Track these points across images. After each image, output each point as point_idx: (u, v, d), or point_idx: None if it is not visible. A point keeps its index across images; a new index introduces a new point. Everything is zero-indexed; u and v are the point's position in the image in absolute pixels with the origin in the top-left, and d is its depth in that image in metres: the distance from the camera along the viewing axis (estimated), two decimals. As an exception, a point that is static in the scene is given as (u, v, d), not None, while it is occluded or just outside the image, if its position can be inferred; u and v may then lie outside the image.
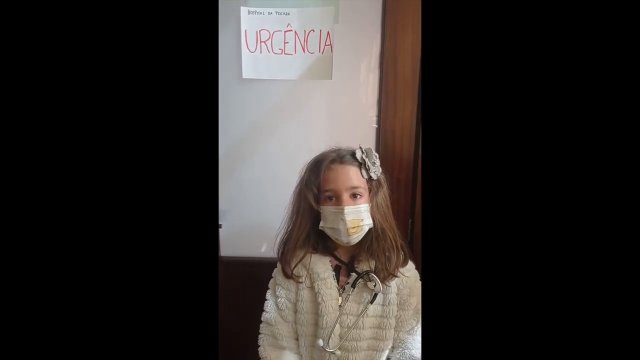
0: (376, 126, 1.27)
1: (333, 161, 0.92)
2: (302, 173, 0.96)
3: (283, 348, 0.97)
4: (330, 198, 0.90)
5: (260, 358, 0.98)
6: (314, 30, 1.19)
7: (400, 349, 0.96)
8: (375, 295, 0.92)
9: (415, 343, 0.95)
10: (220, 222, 1.31)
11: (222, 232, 1.33)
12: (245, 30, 1.19)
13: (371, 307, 0.93)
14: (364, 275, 0.93)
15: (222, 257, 1.34)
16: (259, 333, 0.99)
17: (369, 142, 1.27)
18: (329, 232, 0.92)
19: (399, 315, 0.95)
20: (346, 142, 0.97)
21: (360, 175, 0.91)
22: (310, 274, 0.94)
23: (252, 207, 1.31)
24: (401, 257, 0.95)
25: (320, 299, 0.92)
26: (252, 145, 1.29)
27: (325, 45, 1.20)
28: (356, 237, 0.90)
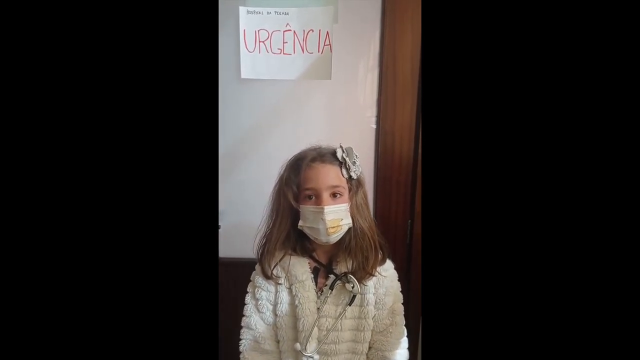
0: (375, 126, 1.25)
1: (314, 159, 0.90)
2: (282, 171, 0.94)
3: (266, 352, 0.94)
4: (309, 197, 0.88)
5: None
6: (313, 30, 1.18)
7: (372, 350, 0.94)
8: (354, 296, 0.90)
9: (387, 345, 0.93)
10: (219, 223, 1.31)
11: (221, 233, 1.32)
12: (244, 30, 1.19)
13: (349, 309, 0.90)
14: (342, 277, 0.90)
15: (221, 258, 1.34)
16: (240, 339, 0.95)
17: (368, 142, 1.26)
18: (307, 232, 0.90)
19: (375, 315, 0.93)
20: (345, 142, 0.95)
21: (340, 174, 0.90)
22: (289, 277, 0.92)
23: (251, 208, 1.30)
24: (379, 256, 0.93)
25: (297, 302, 0.90)
26: (251, 145, 1.29)
27: (324, 45, 1.19)
28: (335, 237, 0.88)
